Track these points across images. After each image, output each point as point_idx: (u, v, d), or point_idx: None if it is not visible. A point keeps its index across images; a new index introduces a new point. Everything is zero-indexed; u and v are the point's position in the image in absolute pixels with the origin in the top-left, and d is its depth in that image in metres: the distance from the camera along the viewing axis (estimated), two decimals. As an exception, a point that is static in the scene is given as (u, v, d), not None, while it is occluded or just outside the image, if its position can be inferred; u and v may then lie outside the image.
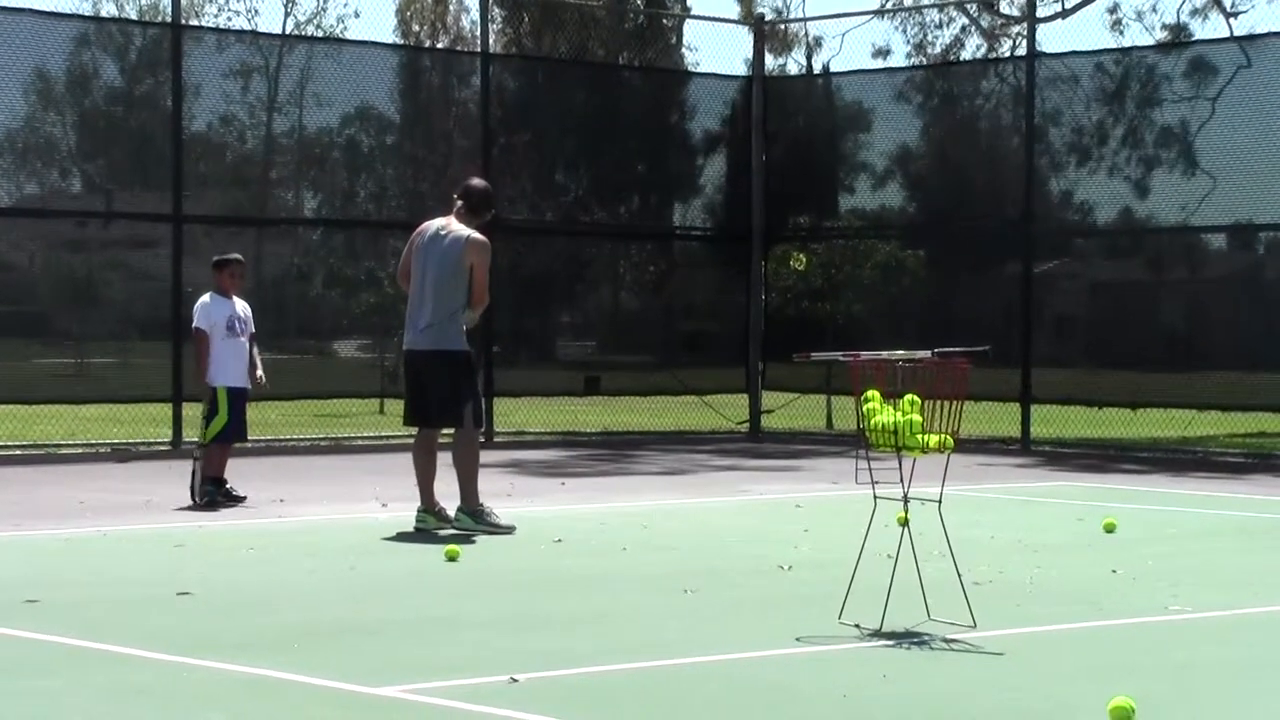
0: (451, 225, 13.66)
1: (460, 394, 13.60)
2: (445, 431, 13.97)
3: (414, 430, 14.04)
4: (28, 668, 8.29)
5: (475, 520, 13.38)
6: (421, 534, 13.29)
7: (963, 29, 38.50)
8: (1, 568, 11.58)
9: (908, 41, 39.31)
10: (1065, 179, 24.48)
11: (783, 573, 11.37)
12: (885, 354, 9.43)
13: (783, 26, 40.22)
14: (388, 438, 22.92)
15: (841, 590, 9.41)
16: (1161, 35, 36.05)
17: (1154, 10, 40.62)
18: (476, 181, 14.20)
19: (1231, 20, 33.89)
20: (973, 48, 38.48)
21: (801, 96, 28.30)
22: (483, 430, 14.01)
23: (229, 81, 24.00)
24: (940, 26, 38.92)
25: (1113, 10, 37.08)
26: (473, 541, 12.83)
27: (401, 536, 13.19)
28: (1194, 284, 24.34)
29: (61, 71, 22.84)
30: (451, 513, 13.56)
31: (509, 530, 13.35)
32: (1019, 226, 23.35)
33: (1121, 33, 37.12)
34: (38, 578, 11.01)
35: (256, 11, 57.32)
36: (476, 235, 13.60)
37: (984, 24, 37.78)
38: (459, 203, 13.79)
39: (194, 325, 15.70)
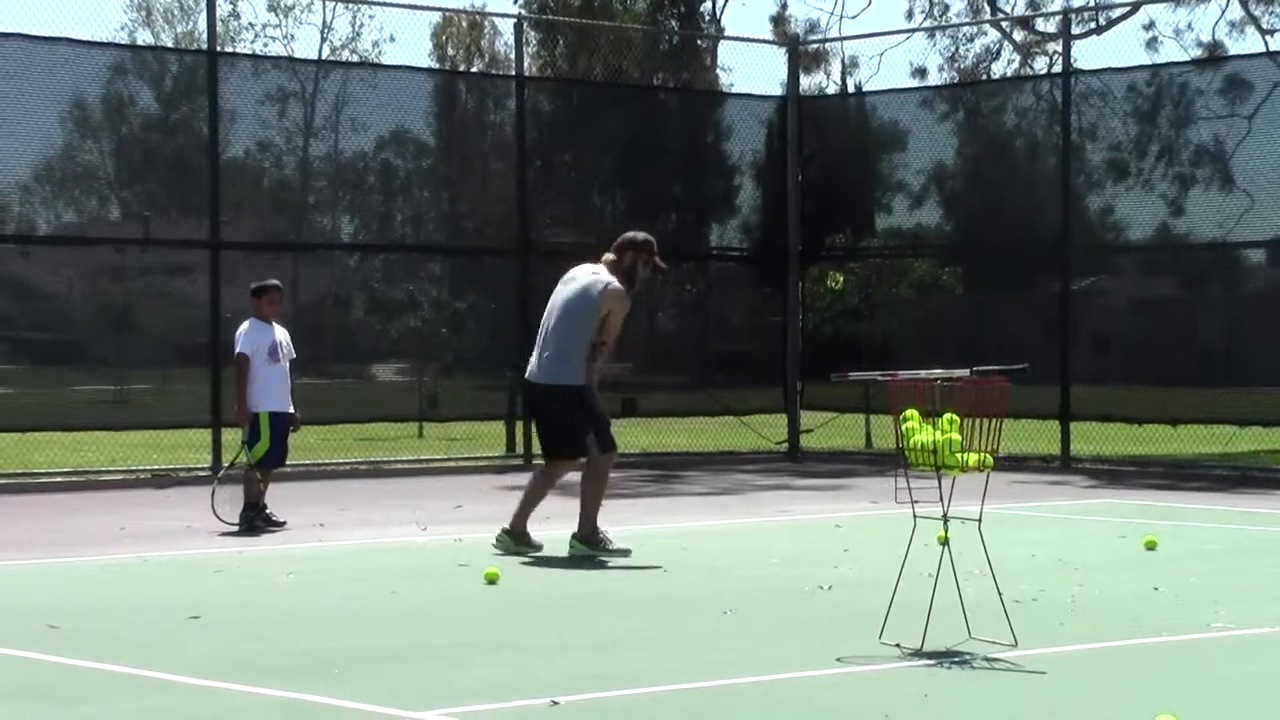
0: (599, 271, 13.64)
1: (577, 426, 13.49)
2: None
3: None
4: (65, 694, 8.31)
5: (589, 547, 13.21)
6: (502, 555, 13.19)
7: (992, 49, 38.43)
8: (44, 594, 11.62)
9: (940, 55, 39.24)
10: (1102, 196, 24.41)
11: (823, 593, 11.34)
12: (924, 373, 9.42)
13: (818, 46, 40.19)
14: (426, 461, 22.97)
15: (882, 610, 9.38)
16: (1196, 52, 35.95)
17: (1189, 28, 40.60)
18: (631, 234, 13.95)
19: (1268, 37, 33.77)
20: (1006, 61, 38.43)
21: (837, 116, 28.27)
22: (616, 454, 13.74)
23: (265, 107, 24.07)
24: (971, 40, 38.85)
25: (1148, 27, 36.98)
26: (519, 560, 12.81)
27: (442, 560, 13.19)
28: (1233, 299, 24.24)
29: (98, 100, 22.93)
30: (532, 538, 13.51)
31: (626, 553, 13.16)
32: (1056, 243, 23.30)
33: (1157, 50, 37.01)
34: (80, 604, 11.05)
35: (292, 37, 57.67)
36: (616, 284, 13.51)
37: (1018, 39, 37.72)
38: (612, 257, 13.72)
39: (237, 350, 15.76)
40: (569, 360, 13.46)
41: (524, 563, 12.94)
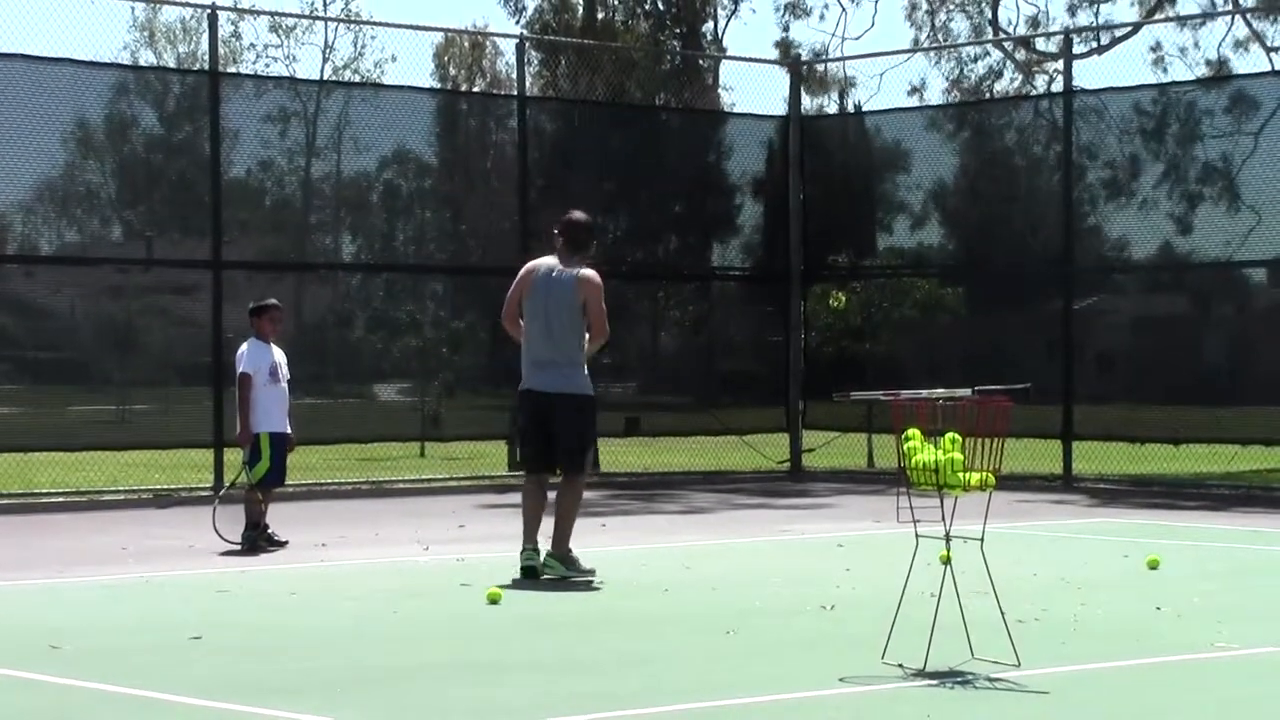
0: (561, 264, 13.41)
1: (586, 439, 13.48)
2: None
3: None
4: (66, 715, 8.29)
5: (566, 566, 13.11)
6: (527, 575, 12.96)
7: (994, 69, 38.51)
8: (45, 614, 11.60)
9: (944, 78, 39.38)
10: (1104, 214, 24.41)
11: (825, 612, 11.33)
12: (926, 393, 9.41)
13: (820, 66, 40.25)
14: (428, 481, 22.94)
15: (884, 630, 9.37)
16: (1202, 71, 36.01)
17: (1195, 46, 40.65)
18: (578, 215, 13.73)
19: (1273, 55, 33.83)
20: (1008, 81, 38.53)
21: (838, 136, 28.28)
22: (594, 474, 13.58)
23: (267, 127, 24.12)
24: (975, 60, 38.94)
25: (1155, 48, 37.08)
26: (515, 584, 12.79)
27: (444, 579, 13.17)
28: (1236, 319, 24.25)
29: (101, 120, 22.95)
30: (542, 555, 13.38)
31: (590, 573, 13.08)
32: (1058, 262, 23.30)
33: (1165, 70, 37.11)
34: (81, 624, 11.03)
35: (294, 58, 57.70)
36: (586, 271, 13.35)
37: (1019, 58, 37.81)
38: (559, 238, 13.54)
39: (239, 371, 15.78)
40: (578, 367, 13.37)
41: (527, 583, 12.90)
